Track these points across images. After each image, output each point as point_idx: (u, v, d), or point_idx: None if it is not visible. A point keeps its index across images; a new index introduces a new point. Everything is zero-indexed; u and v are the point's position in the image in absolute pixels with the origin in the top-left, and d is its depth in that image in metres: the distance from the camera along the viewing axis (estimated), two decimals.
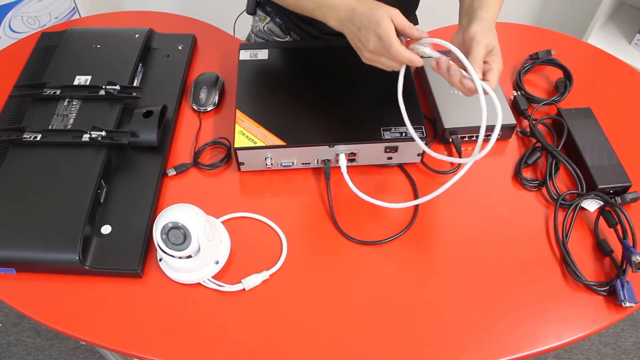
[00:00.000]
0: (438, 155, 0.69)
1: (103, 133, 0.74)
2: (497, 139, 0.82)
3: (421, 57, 0.64)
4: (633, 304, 0.64)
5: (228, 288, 0.67)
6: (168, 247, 0.62)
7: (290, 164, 0.76)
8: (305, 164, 0.77)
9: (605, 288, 0.67)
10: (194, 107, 0.85)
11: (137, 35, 0.90)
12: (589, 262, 0.70)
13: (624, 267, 0.68)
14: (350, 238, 0.71)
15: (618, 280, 0.66)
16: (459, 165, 0.79)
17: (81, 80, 0.83)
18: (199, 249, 0.63)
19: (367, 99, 0.77)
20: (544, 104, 0.87)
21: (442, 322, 0.65)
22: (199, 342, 0.63)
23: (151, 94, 0.84)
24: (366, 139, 0.73)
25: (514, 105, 0.86)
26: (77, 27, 0.93)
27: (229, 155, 0.80)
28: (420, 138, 0.73)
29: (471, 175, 0.78)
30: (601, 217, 0.73)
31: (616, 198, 0.74)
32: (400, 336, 0.63)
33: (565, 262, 0.69)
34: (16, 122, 0.78)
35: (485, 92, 0.63)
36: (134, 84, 0.85)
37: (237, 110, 0.76)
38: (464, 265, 0.69)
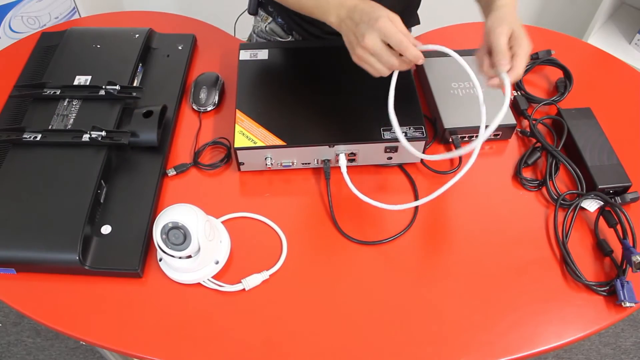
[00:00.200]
0: (434, 156, 0.69)
1: (103, 133, 0.74)
2: (497, 139, 0.82)
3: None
4: (633, 304, 0.64)
5: (228, 288, 0.67)
6: (168, 247, 0.62)
7: (290, 164, 0.76)
8: (305, 164, 0.77)
9: (605, 288, 0.67)
10: (194, 107, 0.85)
11: (137, 35, 0.90)
12: (589, 262, 0.70)
13: (624, 267, 0.68)
14: (350, 238, 0.71)
15: (618, 280, 0.66)
16: (459, 166, 0.79)
17: (81, 80, 0.83)
18: (199, 249, 0.63)
19: (367, 99, 0.77)
20: (544, 104, 0.87)
21: (442, 322, 0.65)
22: (199, 342, 0.63)
23: (151, 94, 0.84)
24: (366, 139, 0.73)
25: (514, 105, 0.86)
26: (77, 27, 0.93)
27: (229, 155, 0.80)
28: (421, 138, 0.73)
29: (471, 175, 0.78)
30: (601, 217, 0.73)
31: (616, 198, 0.74)
32: (400, 336, 0.63)
33: (565, 262, 0.69)
34: (16, 122, 0.78)
35: (503, 88, 0.63)
36: (134, 84, 0.85)
37: (237, 110, 0.76)
38: (464, 265, 0.69)
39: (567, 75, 0.90)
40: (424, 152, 0.76)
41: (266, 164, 0.75)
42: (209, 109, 0.85)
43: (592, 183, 0.74)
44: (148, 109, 0.78)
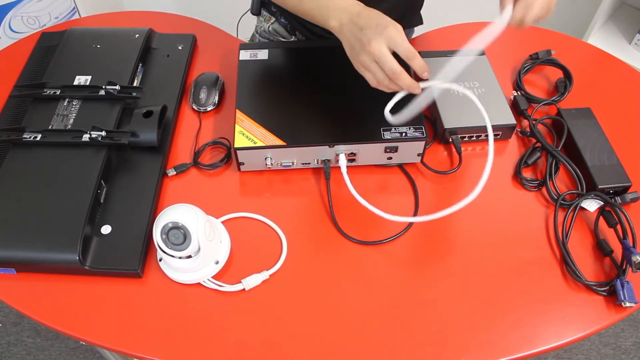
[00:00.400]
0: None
1: (103, 133, 0.74)
2: (497, 139, 0.82)
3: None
4: (633, 304, 0.64)
5: (228, 288, 0.67)
6: (168, 247, 0.62)
7: (290, 164, 0.76)
8: (305, 164, 0.77)
9: (605, 288, 0.67)
10: (194, 107, 0.85)
11: (137, 35, 0.90)
12: (589, 262, 0.70)
13: (624, 267, 0.68)
14: (350, 238, 0.71)
15: (618, 280, 0.66)
16: (459, 165, 0.79)
17: (81, 80, 0.83)
18: (199, 249, 0.63)
19: (367, 99, 0.77)
20: (544, 104, 0.87)
21: (442, 322, 0.65)
22: (199, 342, 0.63)
23: (151, 94, 0.84)
24: (366, 139, 0.73)
25: (514, 105, 0.86)
26: (77, 27, 0.93)
27: (229, 155, 0.80)
28: (421, 138, 0.73)
29: (471, 175, 0.79)
30: (601, 217, 0.73)
31: (616, 198, 0.74)
32: (400, 336, 0.63)
33: (565, 262, 0.69)
34: (16, 122, 0.78)
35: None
36: (134, 84, 0.85)
37: (237, 110, 0.76)
38: (464, 265, 0.69)
39: (567, 75, 0.90)
40: (424, 153, 0.76)
41: (266, 164, 0.75)
42: (209, 109, 0.85)
43: (592, 183, 0.74)
44: (148, 109, 0.78)
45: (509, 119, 0.80)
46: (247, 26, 1.11)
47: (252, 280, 0.67)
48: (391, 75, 0.64)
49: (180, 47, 0.93)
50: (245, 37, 1.11)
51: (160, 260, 0.68)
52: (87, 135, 0.74)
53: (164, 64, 0.90)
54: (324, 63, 0.83)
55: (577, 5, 1.78)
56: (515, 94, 0.88)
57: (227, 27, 1.04)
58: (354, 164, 0.77)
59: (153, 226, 0.63)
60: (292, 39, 0.97)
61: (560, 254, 0.70)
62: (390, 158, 0.76)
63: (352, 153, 0.75)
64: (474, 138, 0.81)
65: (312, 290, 0.67)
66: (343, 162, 0.74)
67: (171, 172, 0.77)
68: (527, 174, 0.79)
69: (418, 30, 1.03)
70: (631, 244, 0.69)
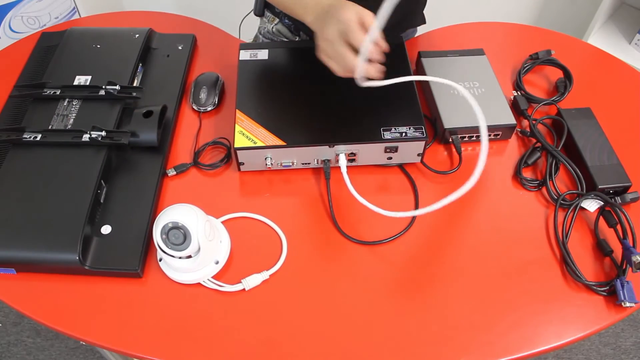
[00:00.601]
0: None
1: (103, 133, 0.74)
2: (497, 139, 0.82)
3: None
4: (633, 304, 0.64)
5: (228, 288, 0.67)
6: (168, 247, 0.62)
7: (290, 164, 0.76)
8: (305, 164, 0.77)
9: (605, 288, 0.67)
10: (194, 107, 0.85)
11: (137, 35, 0.90)
12: (589, 262, 0.70)
13: (624, 267, 0.68)
14: (350, 238, 0.71)
15: (618, 280, 0.66)
16: (459, 165, 0.79)
17: (81, 80, 0.83)
18: (199, 249, 0.63)
19: (367, 99, 0.77)
20: (544, 104, 0.87)
21: (442, 322, 0.65)
22: (199, 342, 0.63)
23: (151, 94, 0.84)
24: (366, 139, 0.73)
25: (514, 105, 0.86)
26: (77, 27, 0.93)
27: (229, 155, 0.80)
28: (421, 138, 0.73)
29: (471, 175, 0.79)
30: (601, 217, 0.73)
31: (616, 198, 0.74)
32: (400, 336, 0.63)
33: (565, 262, 0.69)
34: (16, 122, 0.78)
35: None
36: (134, 84, 0.85)
37: (237, 110, 0.76)
38: (463, 265, 0.69)
39: (567, 75, 0.90)
40: (424, 153, 0.76)
41: (266, 164, 0.75)
42: (209, 109, 0.85)
43: (592, 183, 0.74)
44: (148, 109, 0.78)
45: (509, 119, 0.80)
46: (249, 26, 1.11)
47: (252, 280, 0.67)
48: (341, 59, 0.65)
49: (180, 47, 0.93)
50: (247, 37, 1.11)
51: (160, 260, 0.68)
52: (87, 135, 0.74)
53: (164, 64, 0.90)
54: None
55: (577, 5, 1.78)
56: (515, 94, 0.88)
57: (228, 27, 1.04)
58: (354, 164, 0.77)
59: (153, 226, 0.63)
60: (295, 40, 0.97)
61: (560, 254, 0.70)
62: (390, 158, 0.76)
63: (352, 153, 0.75)
64: (474, 138, 0.81)
65: (312, 290, 0.67)
66: (343, 162, 0.74)
67: (171, 172, 0.77)
68: (527, 174, 0.79)
69: (421, 30, 1.03)
70: (631, 244, 0.69)
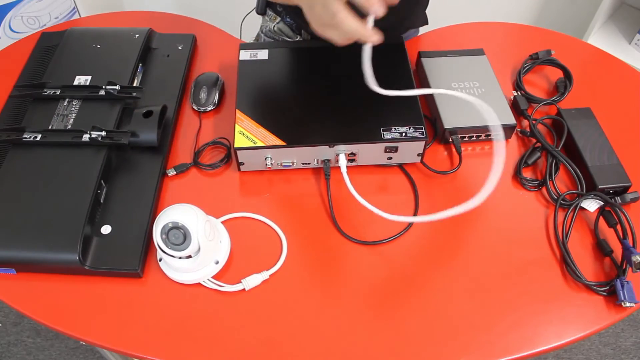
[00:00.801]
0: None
1: (103, 133, 0.74)
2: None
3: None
4: (633, 304, 0.64)
5: (228, 288, 0.67)
6: (168, 247, 0.62)
7: (290, 164, 0.76)
8: (305, 164, 0.77)
9: (605, 288, 0.67)
10: (194, 107, 0.85)
11: (137, 35, 0.90)
12: (589, 262, 0.70)
13: (624, 267, 0.68)
14: (350, 238, 0.71)
15: (618, 280, 0.66)
16: (459, 165, 0.79)
17: (81, 80, 0.83)
18: (199, 249, 0.63)
19: (367, 99, 0.77)
20: (544, 104, 0.87)
21: (442, 322, 0.65)
22: (199, 342, 0.63)
23: (151, 94, 0.84)
24: (366, 139, 0.73)
25: (514, 105, 0.86)
26: (77, 27, 0.93)
27: (229, 155, 0.80)
28: (421, 138, 0.73)
29: (471, 175, 0.79)
30: (601, 217, 0.73)
31: (616, 198, 0.74)
32: (401, 336, 0.63)
33: (565, 262, 0.69)
34: (16, 122, 0.78)
35: None
36: (134, 84, 0.85)
37: (237, 110, 0.76)
38: (463, 265, 0.69)
39: (567, 75, 0.90)
40: (424, 153, 0.76)
41: (266, 164, 0.75)
42: (209, 109, 0.85)
43: (592, 183, 0.75)
44: (148, 109, 0.78)
45: (509, 119, 0.80)
46: (250, 26, 1.11)
47: (252, 280, 0.67)
48: (333, 20, 0.60)
49: (180, 47, 0.93)
50: (249, 36, 1.11)
51: (160, 260, 0.68)
52: (87, 135, 0.74)
53: (164, 64, 0.90)
54: (324, 63, 0.83)
55: (577, 5, 1.78)
56: (515, 94, 0.88)
57: (228, 26, 1.04)
58: (354, 164, 0.77)
59: (153, 226, 0.63)
60: (297, 39, 0.97)
61: (560, 254, 0.70)
62: (390, 158, 0.76)
63: (352, 153, 0.75)
64: (474, 138, 0.81)
65: (312, 290, 0.67)
66: (343, 162, 0.74)
67: (171, 172, 0.77)
68: (527, 174, 0.79)
69: (423, 30, 1.03)
70: (631, 244, 0.69)
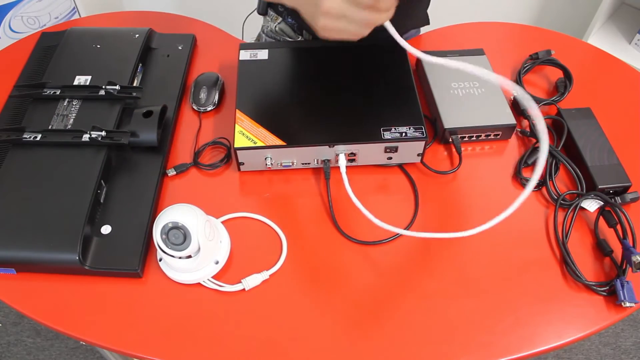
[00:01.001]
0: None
1: (103, 133, 0.74)
2: (497, 139, 0.82)
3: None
4: (633, 304, 0.64)
5: (228, 288, 0.67)
6: (168, 247, 0.62)
7: (290, 164, 0.76)
8: (305, 164, 0.77)
9: (605, 288, 0.67)
10: (194, 107, 0.85)
11: (137, 35, 0.90)
12: (589, 262, 0.70)
13: (624, 267, 0.68)
14: (350, 238, 0.71)
15: (618, 280, 0.66)
16: (459, 165, 0.79)
17: (81, 80, 0.83)
18: (199, 249, 0.63)
19: (367, 99, 0.77)
20: (544, 104, 0.87)
21: (442, 322, 0.65)
22: (199, 342, 0.63)
23: (151, 94, 0.84)
24: (366, 139, 0.73)
25: (514, 105, 0.86)
26: (77, 27, 0.93)
27: (229, 155, 0.80)
28: (421, 138, 0.73)
29: (471, 175, 0.79)
30: (601, 217, 0.73)
31: (616, 198, 0.74)
32: (401, 336, 0.63)
33: (565, 262, 0.69)
34: (16, 122, 0.78)
35: None
36: (134, 84, 0.85)
37: (237, 110, 0.76)
38: (464, 265, 0.69)
39: (567, 75, 0.90)
40: (424, 152, 0.76)
41: (266, 164, 0.75)
42: (209, 109, 0.85)
43: (592, 183, 0.75)
44: (148, 109, 0.78)
45: (509, 119, 0.80)
46: (251, 25, 1.11)
47: (252, 280, 0.67)
48: (366, 24, 0.56)
49: (180, 47, 0.93)
50: (250, 36, 1.11)
51: (160, 260, 0.68)
52: (87, 135, 0.74)
53: (164, 64, 0.90)
54: (324, 63, 0.83)
55: (577, 5, 1.78)
56: (516, 94, 0.88)
57: (228, 27, 1.04)
58: (354, 164, 0.77)
59: (153, 226, 0.63)
60: (298, 39, 0.97)
61: (560, 254, 0.70)
62: (390, 158, 0.76)
63: (352, 153, 0.75)
64: (474, 138, 0.81)
65: (312, 290, 0.67)
66: (343, 162, 0.74)
67: (171, 172, 0.77)
68: (527, 174, 0.79)
69: (424, 30, 1.03)
70: (631, 244, 0.69)
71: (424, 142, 0.74)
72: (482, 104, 0.81)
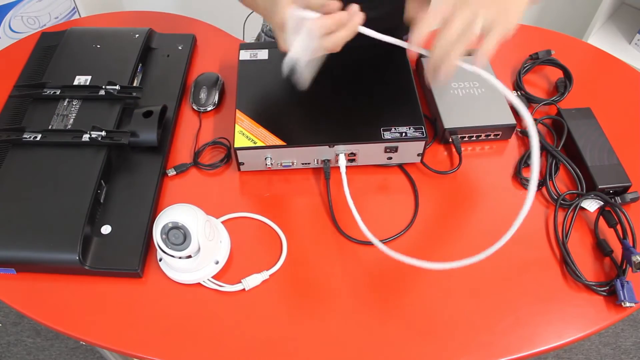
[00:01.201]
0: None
1: (103, 133, 0.74)
2: (497, 139, 0.82)
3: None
4: (633, 304, 0.64)
5: (228, 288, 0.67)
6: (168, 247, 0.62)
7: (290, 164, 0.76)
8: (305, 164, 0.77)
9: (605, 288, 0.67)
10: (194, 107, 0.85)
11: (137, 35, 0.90)
12: (589, 262, 0.70)
13: (624, 267, 0.68)
14: (350, 238, 0.71)
15: (618, 280, 0.66)
16: (459, 165, 0.79)
17: (81, 80, 0.83)
18: (199, 249, 0.63)
19: (367, 99, 0.77)
20: (544, 104, 0.87)
21: (442, 322, 0.65)
22: (199, 342, 0.63)
23: (151, 94, 0.84)
24: (366, 139, 0.73)
25: (514, 105, 0.86)
26: (77, 27, 0.93)
27: (229, 155, 0.80)
28: (421, 138, 0.73)
29: (471, 175, 0.79)
30: (601, 217, 0.73)
31: (616, 198, 0.74)
32: (400, 336, 0.63)
33: (565, 262, 0.69)
34: (16, 122, 0.78)
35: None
36: (134, 84, 0.85)
37: (237, 110, 0.76)
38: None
39: (567, 75, 0.90)
40: (424, 152, 0.76)
41: (266, 164, 0.75)
42: (209, 109, 0.85)
43: (592, 183, 0.75)
44: (148, 109, 0.78)
45: (509, 119, 0.80)
46: (252, 26, 1.11)
47: (252, 280, 0.67)
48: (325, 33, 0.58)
49: (180, 47, 0.93)
50: (250, 36, 1.11)
51: (160, 260, 0.68)
52: (87, 135, 0.74)
53: (164, 64, 0.90)
54: (324, 63, 0.83)
55: (577, 5, 1.78)
56: (515, 94, 0.88)
57: (228, 27, 1.04)
58: (354, 164, 0.77)
59: (153, 226, 0.63)
60: None
61: (560, 254, 0.70)
62: (390, 158, 0.76)
63: (352, 153, 0.75)
64: (474, 138, 0.81)
65: (312, 290, 0.67)
66: (342, 162, 0.74)
67: (171, 172, 0.77)
68: (527, 174, 0.79)
69: None
70: (631, 244, 0.69)
71: (424, 142, 0.74)
72: (482, 104, 0.81)
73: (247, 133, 0.74)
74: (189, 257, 0.63)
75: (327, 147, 0.73)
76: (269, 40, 0.99)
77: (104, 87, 0.80)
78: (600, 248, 0.70)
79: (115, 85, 0.80)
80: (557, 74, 0.92)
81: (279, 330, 0.64)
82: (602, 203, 0.73)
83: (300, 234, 0.72)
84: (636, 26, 1.66)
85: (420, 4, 0.62)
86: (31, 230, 0.66)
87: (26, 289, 0.66)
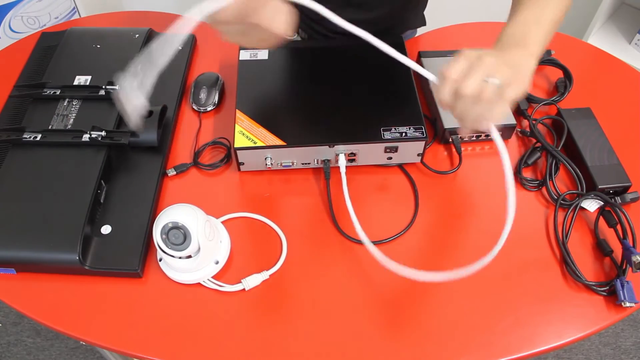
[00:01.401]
0: None
1: (103, 133, 0.74)
2: None
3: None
4: (633, 304, 0.64)
5: (228, 288, 0.67)
6: (168, 247, 0.62)
7: (290, 164, 0.76)
8: (305, 164, 0.77)
9: (605, 288, 0.67)
10: (194, 107, 0.85)
11: (137, 35, 0.90)
12: (589, 262, 0.70)
13: (624, 267, 0.68)
14: (350, 238, 0.71)
15: (618, 280, 0.66)
16: (459, 165, 0.79)
17: (81, 80, 0.83)
18: (199, 249, 0.63)
19: (367, 99, 0.77)
20: (544, 104, 0.87)
21: (442, 322, 0.65)
22: (199, 342, 0.63)
23: (151, 94, 0.84)
24: (366, 139, 0.73)
25: (514, 105, 0.86)
26: (77, 27, 0.93)
27: (229, 155, 0.80)
28: (421, 138, 0.73)
29: (471, 175, 0.79)
30: (601, 217, 0.73)
31: (616, 198, 0.74)
32: (400, 336, 0.63)
33: (565, 262, 0.69)
34: (16, 122, 0.78)
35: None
36: None
37: (237, 110, 0.76)
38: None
39: (567, 75, 0.90)
40: (424, 152, 0.76)
41: (266, 164, 0.75)
42: (209, 109, 0.85)
43: (592, 183, 0.74)
44: (148, 109, 0.78)
45: (509, 119, 0.80)
46: None
47: (252, 280, 0.67)
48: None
49: (180, 47, 0.93)
50: None
51: (160, 260, 0.68)
52: (87, 135, 0.74)
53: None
54: (324, 63, 0.83)
55: (577, 5, 1.78)
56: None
57: None
58: (354, 164, 0.77)
59: (153, 226, 0.63)
60: (294, 37, 0.96)
61: (560, 254, 0.70)
62: (390, 158, 0.76)
63: (352, 153, 0.75)
64: (474, 138, 0.81)
65: (312, 290, 0.67)
66: (342, 162, 0.74)
67: (171, 172, 0.77)
68: (527, 174, 0.79)
69: (420, 31, 1.03)
70: (631, 244, 0.69)
71: (424, 142, 0.74)
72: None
73: (247, 133, 0.74)
74: (189, 257, 0.63)
75: (327, 147, 0.73)
76: None
77: (104, 87, 0.80)
78: (600, 248, 0.70)
79: (115, 85, 0.80)
80: (557, 74, 0.92)
81: (279, 330, 0.64)
82: (602, 203, 0.73)
83: (300, 234, 0.72)
84: (636, 26, 1.66)
85: None
86: (31, 230, 0.67)
87: (26, 289, 0.66)
